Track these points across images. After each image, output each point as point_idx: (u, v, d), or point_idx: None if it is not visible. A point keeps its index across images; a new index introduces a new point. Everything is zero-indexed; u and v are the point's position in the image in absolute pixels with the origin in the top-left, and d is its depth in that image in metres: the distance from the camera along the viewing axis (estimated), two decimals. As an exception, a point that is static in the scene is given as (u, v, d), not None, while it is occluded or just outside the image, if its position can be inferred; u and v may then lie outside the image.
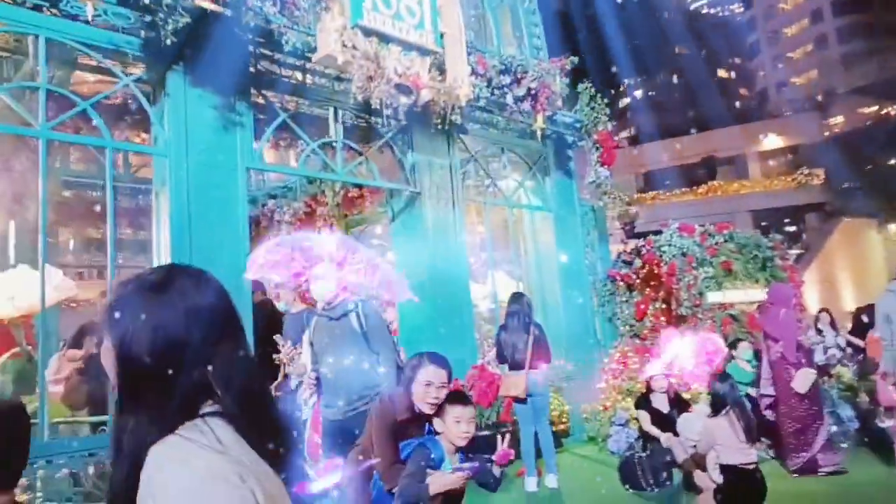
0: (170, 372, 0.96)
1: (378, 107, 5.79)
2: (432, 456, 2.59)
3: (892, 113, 22.83)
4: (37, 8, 4.30)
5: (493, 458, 2.66)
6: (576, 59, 7.97)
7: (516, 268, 8.32)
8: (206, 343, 0.99)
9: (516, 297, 5.91)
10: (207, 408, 0.99)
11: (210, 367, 0.98)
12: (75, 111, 4.50)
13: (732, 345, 7.29)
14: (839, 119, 28.25)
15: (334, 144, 6.16)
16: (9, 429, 1.55)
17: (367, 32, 5.71)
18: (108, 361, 1.01)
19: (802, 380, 5.68)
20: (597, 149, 8.31)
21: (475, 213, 9.24)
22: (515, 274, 8.32)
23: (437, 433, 2.75)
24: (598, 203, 8.71)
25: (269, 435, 1.03)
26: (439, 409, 2.77)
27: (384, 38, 5.83)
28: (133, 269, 11.15)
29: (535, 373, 5.47)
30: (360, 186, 8.43)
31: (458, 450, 2.72)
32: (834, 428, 6.39)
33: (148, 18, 4.58)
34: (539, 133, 7.47)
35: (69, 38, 4.41)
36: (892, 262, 17.80)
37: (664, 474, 4.92)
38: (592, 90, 8.49)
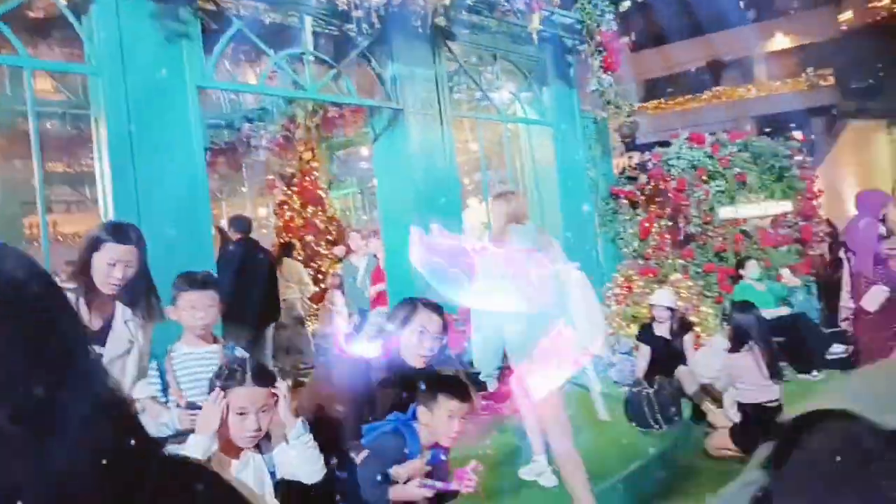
0: None
1: (346, 7, 5.02)
2: (405, 451, 2.11)
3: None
4: None
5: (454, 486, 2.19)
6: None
7: (513, 188, 7.72)
8: None
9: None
10: None
11: None
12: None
13: (740, 263, 6.84)
14: (849, 14, 26.69)
15: (302, 57, 5.43)
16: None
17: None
18: None
19: (872, 297, 5.23)
20: (599, 52, 7.49)
21: (467, 129, 8.55)
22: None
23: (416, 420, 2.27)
24: (602, 114, 7.99)
25: None
26: (431, 398, 2.28)
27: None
28: (76, 204, 10.59)
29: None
30: (339, 105, 7.70)
31: (433, 446, 2.25)
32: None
33: None
34: (535, 36, 6.65)
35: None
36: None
37: (672, 409, 4.56)
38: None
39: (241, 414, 1.93)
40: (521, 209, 3.64)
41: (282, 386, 2.02)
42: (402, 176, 5.80)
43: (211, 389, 1.99)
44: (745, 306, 4.08)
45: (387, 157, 6.01)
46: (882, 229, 5.20)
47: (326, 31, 5.75)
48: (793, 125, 25.29)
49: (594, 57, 7.41)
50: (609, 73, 7.40)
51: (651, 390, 4.59)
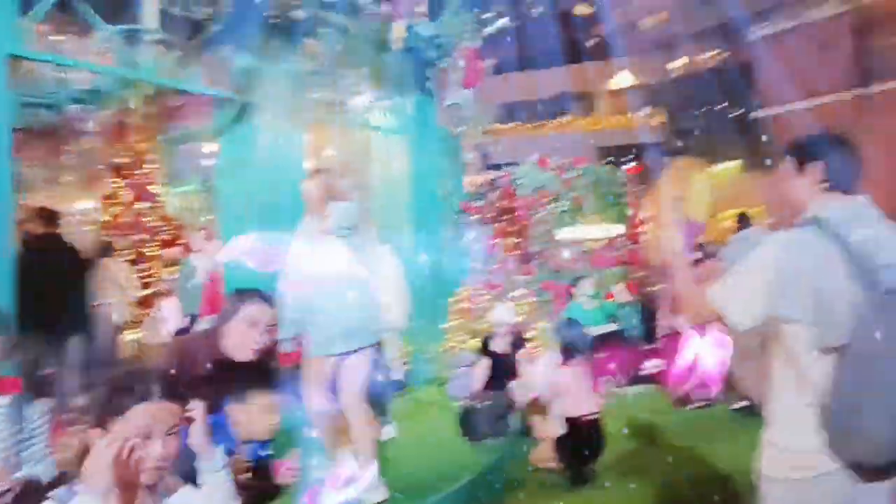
0: None
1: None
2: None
3: (722, 58, 24.43)
4: None
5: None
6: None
7: (365, 197, 7.63)
8: None
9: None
10: None
11: None
12: None
13: (574, 282, 7.27)
14: (682, 62, 29.81)
15: (142, 35, 4.96)
16: None
17: None
18: None
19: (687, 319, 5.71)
20: (460, 68, 7.66)
21: (323, 132, 8.32)
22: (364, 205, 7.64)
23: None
24: (457, 129, 8.17)
25: None
26: (242, 392, 2.14)
27: None
28: None
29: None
30: (182, 93, 7.14)
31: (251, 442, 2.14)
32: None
33: None
34: (397, 45, 6.65)
35: None
36: (716, 199, 19.45)
37: (503, 422, 4.71)
38: (458, 1, 7.73)
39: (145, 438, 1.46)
40: (339, 185, 3.63)
41: (198, 406, 1.72)
42: (245, 175, 5.49)
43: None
44: (572, 323, 4.32)
45: (231, 154, 5.67)
46: (697, 254, 5.80)
47: (174, 10, 5.32)
48: (629, 157, 27.78)
49: (454, 72, 7.57)
50: (468, 88, 7.58)
51: (483, 404, 4.70)
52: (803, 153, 1.89)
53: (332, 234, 3.43)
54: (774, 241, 1.82)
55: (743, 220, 7.71)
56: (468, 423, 4.77)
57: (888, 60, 13.94)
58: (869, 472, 1.67)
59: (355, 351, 3.39)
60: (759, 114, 17.55)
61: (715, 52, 26.31)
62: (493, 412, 4.75)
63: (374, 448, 3.44)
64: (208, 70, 5.75)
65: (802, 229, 1.79)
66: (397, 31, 6.46)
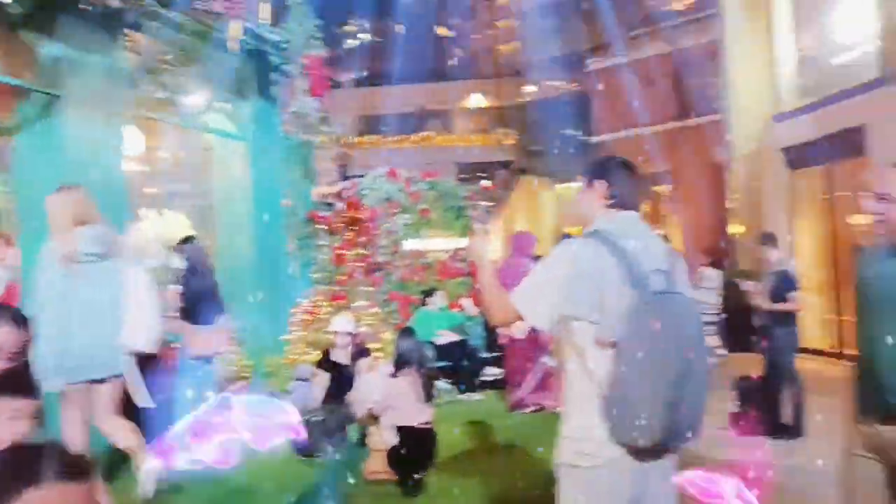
0: None
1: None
2: None
3: (567, 87, 26.27)
4: None
5: None
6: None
7: (200, 204, 7.19)
8: None
9: (190, 240, 5.33)
10: None
11: None
12: None
13: (428, 293, 7.39)
14: (534, 88, 31.56)
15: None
16: None
17: None
18: None
19: (519, 326, 5.88)
20: (305, 75, 7.48)
21: (157, 134, 7.73)
22: (200, 212, 7.19)
23: None
24: (305, 137, 7.96)
25: None
26: None
27: None
28: None
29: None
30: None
31: None
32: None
33: None
34: (234, 45, 6.34)
35: None
36: (561, 217, 20.77)
37: (338, 436, 4.59)
38: (304, 8, 7.57)
39: None
40: (87, 208, 3.50)
41: None
42: (50, 175, 4.90)
43: None
44: (407, 332, 4.32)
45: (33, 152, 5.04)
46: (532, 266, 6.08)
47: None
48: (482, 174, 28.93)
49: (299, 78, 7.37)
50: (314, 97, 7.42)
51: (318, 418, 4.55)
52: (592, 173, 2.12)
53: (78, 261, 3.34)
54: (562, 249, 2.01)
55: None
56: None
57: (703, 97, 15.72)
58: (645, 453, 1.86)
59: (105, 379, 3.40)
60: (597, 139, 19.02)
61: (561, 81, 28.18)
62: (328, 426, 4.61)
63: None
64: (12, 58, 5.11)
65: (587, 239, 1.99)
66: (233, 29, 6.17)
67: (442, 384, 6.81)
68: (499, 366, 7.06)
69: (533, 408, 6.17)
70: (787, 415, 5.13)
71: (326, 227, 8.01)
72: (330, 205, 8.21)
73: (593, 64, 20.29)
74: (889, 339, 2.03)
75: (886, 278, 2.14)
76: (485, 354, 7.33)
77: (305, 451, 4.54)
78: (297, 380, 5.76)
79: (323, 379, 5.30)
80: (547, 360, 6.19)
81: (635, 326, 1.80)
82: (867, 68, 8.10)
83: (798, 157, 9.04)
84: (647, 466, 1.89)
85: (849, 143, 7.72)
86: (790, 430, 5.06)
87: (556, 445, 1.98)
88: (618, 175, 2.09)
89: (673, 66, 17.19)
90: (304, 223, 8.18)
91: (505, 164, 27.64)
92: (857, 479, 2.28)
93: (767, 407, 5.15)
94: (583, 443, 1.90)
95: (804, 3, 10.07)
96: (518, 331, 6.25)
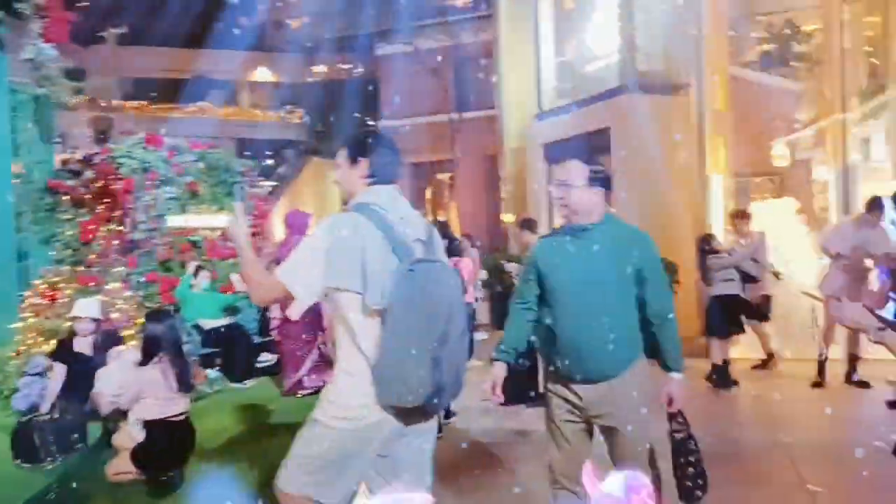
0: None
1: None
2: None
3: (356, 70, 26.26)
4: None
5: None
6: None
7: None
8: None
9: None
10: None
11: None
12: None
13: (196, 272, 6.83)
14: (322, 68, 30.97)
15: None
16: None
17: None
18: None
19: (295, 306, 5.59)
20: (41, 17, 6.34)
21: None
22: None
23: None
24: (41, 91, 6.78)
25: None
26: None
27: None
28: None
29: None
30: None
31: None
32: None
33: None
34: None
35: None
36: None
37: (73, 437, 3.99)
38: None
39: None
40: None
41: None
42: None
43: None
44: (157, 315, 3.87)
45: None
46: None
47: None
48: (268, 153, 27.69)
49: (33, 20, 6.23)
50: (51, 43, 6.33)
51: (46, 417, 3.89)
52: (354, 150, 2.15)
53: None
54: (326, 223, 2.03)
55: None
56: (23, 442, 3.90)
57: (480, 92, 16.71)
58: (409, 414, 1.95)
59: None
60: (384, 123, 19.24)
61: (350, 64, 28.06)
62: (60, 426, 3.97)
63: None
64: None
65: (350, 213, 2.04)
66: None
67: (212, 372, 6.34)
68: (273, 351, 6.76)
69: (310, 390, 6.01)
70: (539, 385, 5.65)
71: (71, 199, 6.95)
72: (77, 173, 7.14)
73: (382, 49, 20.45)
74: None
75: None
76: (258, 339, 6.97)
77: (30, 457, 3.87)
78: (29, 374, 4.90)
79: (59, 372, 4.58)
80: (323, 341, 6.07)
81: (399, 292, 1.87)
82: (613, 77, 9.25)
83: (554, 153, 10.03)
84: (405, 430, 1.98)
85: (596, 142, 8.74)
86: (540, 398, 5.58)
87: (317, 406, 2.01)
88: (379, 152, 2.13)
89: (455, 59, 18.01)
90: (42, 192, 7.02)
91: (293, 144, 26.77)
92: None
93: (527, 378, 5.61)
94: (348, 409, 1.94)
95: (564, 15, 11.23)
96: (292, 312, 6.05)
